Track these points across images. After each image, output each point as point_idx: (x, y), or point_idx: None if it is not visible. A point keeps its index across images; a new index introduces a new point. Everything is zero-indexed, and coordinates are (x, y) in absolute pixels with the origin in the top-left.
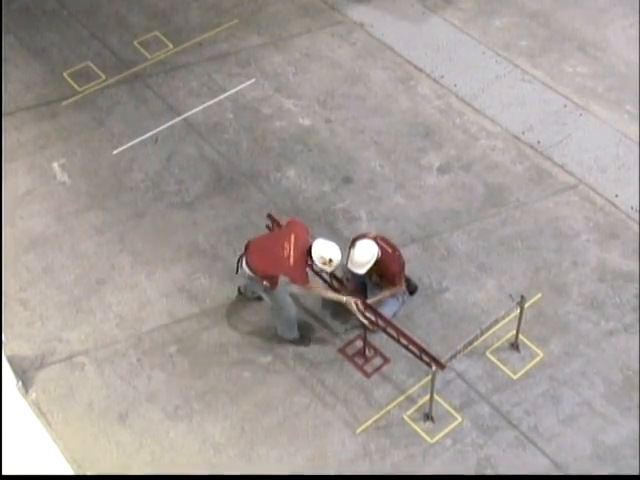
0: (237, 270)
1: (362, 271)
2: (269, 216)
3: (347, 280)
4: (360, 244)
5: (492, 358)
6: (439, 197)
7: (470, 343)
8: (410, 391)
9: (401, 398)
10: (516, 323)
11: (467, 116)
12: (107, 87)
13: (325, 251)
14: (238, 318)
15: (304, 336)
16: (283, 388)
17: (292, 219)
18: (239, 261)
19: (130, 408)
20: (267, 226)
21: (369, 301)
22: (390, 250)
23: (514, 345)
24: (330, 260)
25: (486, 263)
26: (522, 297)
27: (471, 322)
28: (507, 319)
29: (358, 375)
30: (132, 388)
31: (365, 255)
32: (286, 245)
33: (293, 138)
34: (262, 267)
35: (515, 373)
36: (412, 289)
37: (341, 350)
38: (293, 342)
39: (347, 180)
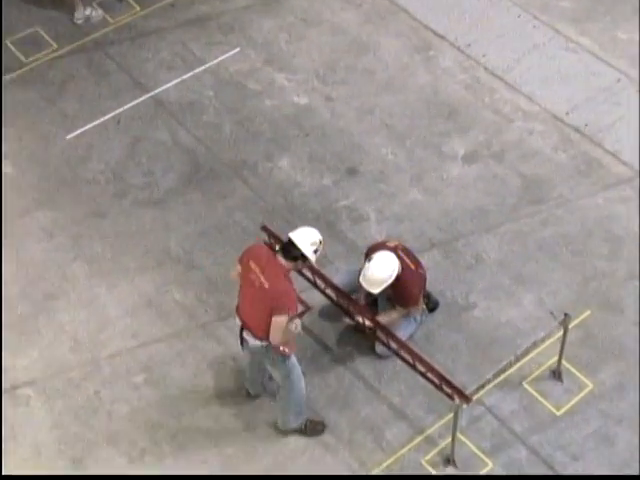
0: (241, 345)
1: (377, 290)
2: (265, 230)
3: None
4: (378, 257)
5: (530, 390)
6: (465, 192)
7: (503, 371)
8: (429, 430)
9: (418, 439)
10: (559, 347)
11: (499, 93)
12: (59, 58)
13: (312, 235)
14: (218, 341)
15: (314, 421)
16: (274, 427)
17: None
18: (241, 333)
19: (86, 452)
20: (265, 242)
21: (379, 318)
22: (413, 266)
23: (557, 374)
24: (320, 242)
25: (522, 273)
26: (566, 315)
27: (504, 345)
28: (548, 342)
29: (366, 411)
30: (88, 427)
31: (383, 271)
32: (252, 277)
33: (286, 120)
34: (253, 319)
35: (558, 408)
36: (432, 305)
37: None
38: (302, 432)
39: (352, 171)
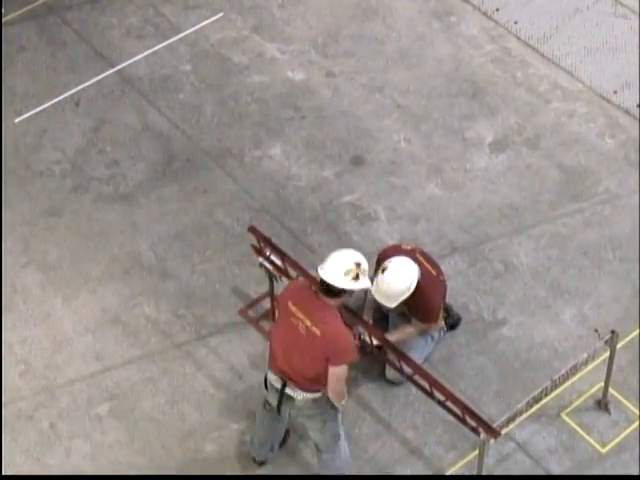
0: (279, 404)
1: (394, 304)
2: (253, 231)
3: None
4: (395, 265)
5: (570, 422)
6: (493, 186)
7: (537, 400)
8: (449, 471)
9: None
10: (605, 371)
11: (534, 68)
12: (6, 25)
13: (344, 261)
14: (197, 364)
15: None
16: (263, 467)
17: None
18: (282, 389)
19: None
20: (253, 247)
21: (388, 336)
22: (434, 272)
23: (602, 404)
24: (358, 265)
25: (562, 283)
26: (613, 333)
27: (539, 369)
28: (592, 365)
29: (374, 447)
30: (42, 467)
31: (401, 282)
32: (296, 323)
33: (279, 99)
34: (299, 370)
35: (604, 445)
36: (453, 321)
37: (242, 312)
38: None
39: (358, 161)
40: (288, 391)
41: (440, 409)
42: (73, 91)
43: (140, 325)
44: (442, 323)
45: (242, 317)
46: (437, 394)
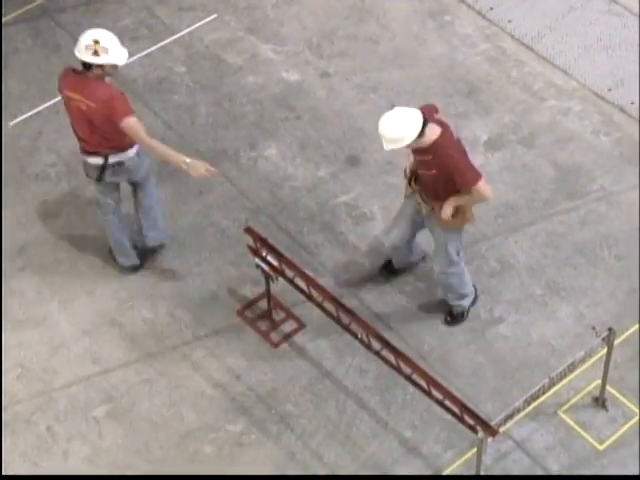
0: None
1: (391, 147)
2: (249, 232)
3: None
4: (399, 110)
5: (568, 420)
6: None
7: (535, 398)
8: (447, 470)
9: None
10: (602, 369)
11: (528, 66)
12: (1, 27)
13: (85, 37)
14: (195, 365)
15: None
16: (262, 468)
17: None
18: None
19: None
20: (249, 247)
21: (448, 204)
22: (456, 136)
23: (599, 401)
24: (96, 42)
25: (557, 281)
26: (610, 330)
27: (536, 368)
28: (589, 362)
29: (372, 447)
30: (40, 469)
31: (399, 122)
32: (79, 105)
33: (274, 100)
34: (94, 140)
35: (601, 442)
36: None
37: (239, 312)
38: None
39: (353, 161)
40: (87, 158)
41: (438, 408)
42: None
43: (137, 327)
44: (472, 218)
45: (239, 318)
46: (435, 393)
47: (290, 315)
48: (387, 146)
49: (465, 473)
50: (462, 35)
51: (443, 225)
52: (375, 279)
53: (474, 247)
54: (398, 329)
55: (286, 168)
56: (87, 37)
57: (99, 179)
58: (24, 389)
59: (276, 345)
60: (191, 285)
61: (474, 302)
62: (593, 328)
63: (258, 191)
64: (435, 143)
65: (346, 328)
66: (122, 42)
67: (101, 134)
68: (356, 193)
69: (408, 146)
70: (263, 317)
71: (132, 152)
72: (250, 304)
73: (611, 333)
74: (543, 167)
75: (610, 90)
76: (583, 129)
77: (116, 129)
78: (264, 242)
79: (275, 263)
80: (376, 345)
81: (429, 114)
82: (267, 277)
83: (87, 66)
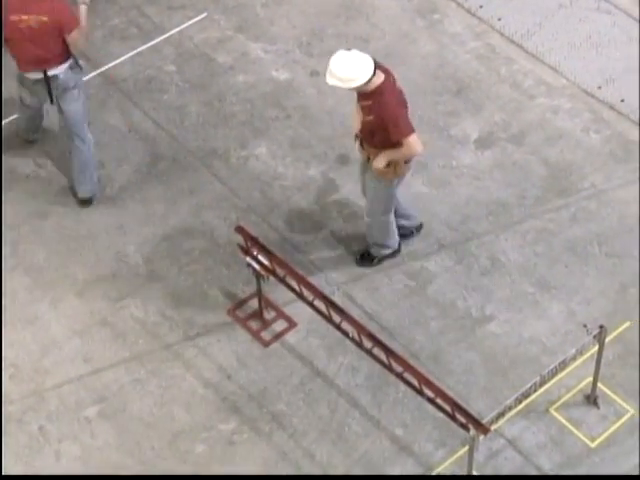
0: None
1: (331, 82)
2: (240, 231)
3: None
4: (349, 52)
5: (559, 418)
6: (478, 183)
7: (526, 396)
8: (439, 468)
9: None
10: (594, 366)
11: (518, 64)
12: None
13: None
14: (186, 364)
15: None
16: (254, 467)
17: None
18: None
19: None
20: (240, 246)
21: (378, 160)
22: (399, 88)
23: (591, 398)
24: None
25: (548, 279)
26: (601, 327)
27: (527, 365)
28: (580, 360)
29: (364, 445)
30: (32, 469)
31: (351, 62)
32: (30, 24)
33: (264, 99)
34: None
35: (593, 439)
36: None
37: (230, 312)
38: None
39: (344, 160)
40: (50, 73)
41: (429, 406)
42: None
43: (128, 327)
44: (403, 171)
45: (230, 317)
46: (426, 391)
47: (281, 314)
48: (333, 82)
49: (457, 471)
50: (452, 33)
51: (376, 174)
52: (367, 277)
53: (465, 245)
54: (389, 327)
55: (276, 167)
56: None
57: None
58: (16, 389)
59: (267, 344)
60: (182, 284)
61: (393, 255)
62: (584, 326)
63: (249, 190)
64: (377, 89)
65: (337, 327)
66: (110, 41)
67: (46, 48)
68: (346, 191)
69: (354, 89)
70: (254, 316)
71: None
72: (241, 303)
73: (602, 330)
74: (533, 165)
75: (600, 88)
76: (573, 127)
77: (61, 41)
78: (255, 241)
79: (266, 262)
80: (367, 344)
81: (378, 63)
82: (258, 276)
83: None
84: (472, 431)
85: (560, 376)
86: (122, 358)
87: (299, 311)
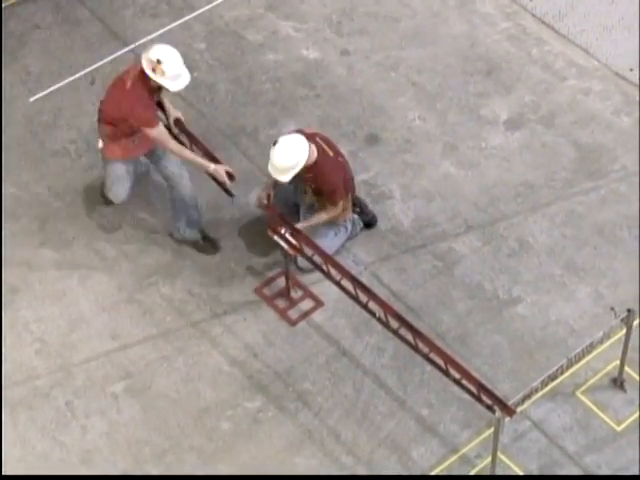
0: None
1: (285, 178)
2: (268, 209)
3: (269, 197)
4: (285, 139)
5: (586, 401)
6: (508, 164)
7: (553, 379)
8: (464, 449)
9: (452, 459)
10: (621, 349)
11: (549, 45)
12: (20, 4)
13: (152, 50)
14: (212, 342)
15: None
16: (279, 445)
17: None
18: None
19: (57, 474)
20: (268, 225)
21: (299, 226)
22: (331, 153)
23: (618, 382)
24: (159, 61)
25: (577, 261)
26: (629, 311)
27: (554, 348)
28: (607, 343)
29: (389, 426)
30: (59, 445)
31: (290, 155)
32: (125, 79)
33: (293, 78)
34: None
35: (619, 423)
36: (368, 219)
37: (257, 290)
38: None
39: (372, 139)
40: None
41: (455, 387)
42: (88, 70)
43: (155, 304)
44: (355, 216)
45: (257, 295)
46: (452, 372)
47: (308, 293)
48: (283, 178)
49: (482, 453)
50: (483, 13)
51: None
52: (394, 257)
53: (493, 227)
54: (416, 308)
55: None
56: (154, 52)
57: None
58: (43, 364)
59: (294, 323)
60: (209, 262)
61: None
62: (612, 309)
63: None
64: (315, 163)
65: (364, 307)
66: (141, 19)
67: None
68: (375, 172)
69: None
70: (281, 295)
71: None
72: (268, 282)
73: (630, 314)
74: (563, 147)
75: (632, 70)
76: (604, 109)
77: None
78: (283, 220)
79: (294, 241)
80: (394, 324)
81: (305, 134)
82: (285, 255)
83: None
84: (498, 413)
85: (587, 359)
86: (149, 335)
87: (326, 290)
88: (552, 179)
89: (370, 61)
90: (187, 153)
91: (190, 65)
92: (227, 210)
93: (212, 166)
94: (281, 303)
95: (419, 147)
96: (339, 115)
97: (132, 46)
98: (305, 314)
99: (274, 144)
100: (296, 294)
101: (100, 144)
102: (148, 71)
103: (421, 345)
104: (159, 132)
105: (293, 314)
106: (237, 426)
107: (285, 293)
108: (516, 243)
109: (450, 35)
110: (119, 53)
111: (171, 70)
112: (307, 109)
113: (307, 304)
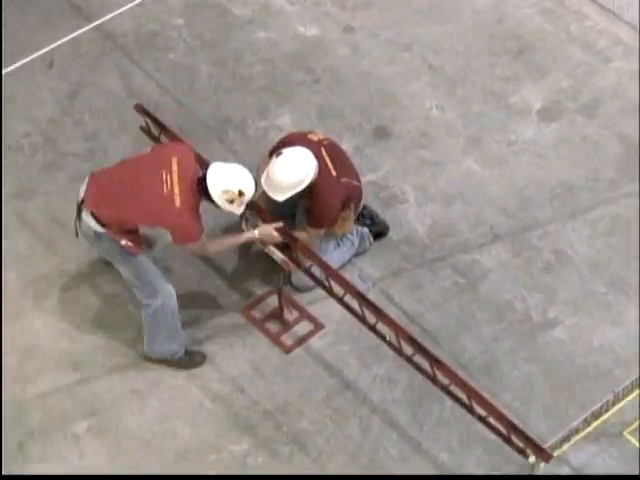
0: (76, 232)
1: (280, 197)
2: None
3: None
4: (290, 153)
5: (635, 442)
6: (542, 162)
7: (596, 417)
8: None
9: None
10: None
11: (590, 20)
12: None
13: (231, 180)
14: (192, 374)
15: (194, 353)
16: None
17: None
18: (78, 212)
19: None
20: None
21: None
22: (334, 173)
23: None
24: (240, 193)
25: (624, 277)
26: None
27: (598, 380)
28: None
29: (402, 473)
30: None
31: (291, 174)
32: (165, 176)
33: (289, 60)
34: (121, 213)
35: None
36: (379, 230)
37: (245, 311)
38: (174, 364)
39: (382, 132)
40: (83, 215)
41: (480, 426)
42: (45, 50)
43: (124, 328)
44: (363, 228)
45: (245, 318)
46: (477, 408)
47: (305, 314)
48: (278, 196)
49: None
50: None
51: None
52: (407, 272)
53: (524, 236)
54: (434, 331)
55: None
56: (233, 181)
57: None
58: None
59: (288, 350)
60: (190, 278)
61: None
62: None
63: None
64: (314, 183)
65: (372, 329)
66: None
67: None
68: (385, 171)
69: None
70: (273, 317)
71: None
72: (257, 301)
73: None
74: (607, 140)
75: None
76: None
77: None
78: (278, 227)
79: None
80: (408, 350)
81: (312, 142)
82: (280, 269)
83: (206, 194)
84: (532, 457)
85: (636, 393)
86: (117, 365)
87: (327, 311)
88: (594, 179)
89: (379, 39)
90: (227, 242)
91: (166, 45)
92: (210, 215)
93: (255, 232)
94: (273, 327)
95: (437, 141)
96: (342, 104)
97: (97, 22)
98: (301, 339)
99: (277, 155)
100: (291, 315)
101: (124, 242)
102: (220, 202)
103: (440, 376)
104: (201, 245)
105: (287, 340)
106: (221, 473)
107: (278, 314)
108: (552, 255)
109: (473, 9)
110: (82, 30)
111: (250, 197)
112: (304, 96)
113: (304, 327)
